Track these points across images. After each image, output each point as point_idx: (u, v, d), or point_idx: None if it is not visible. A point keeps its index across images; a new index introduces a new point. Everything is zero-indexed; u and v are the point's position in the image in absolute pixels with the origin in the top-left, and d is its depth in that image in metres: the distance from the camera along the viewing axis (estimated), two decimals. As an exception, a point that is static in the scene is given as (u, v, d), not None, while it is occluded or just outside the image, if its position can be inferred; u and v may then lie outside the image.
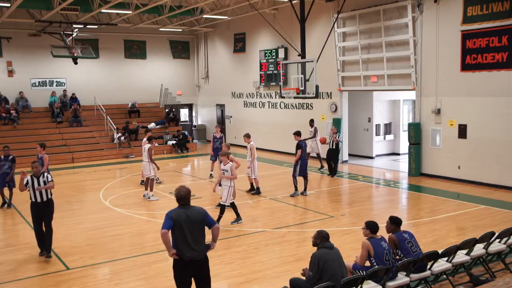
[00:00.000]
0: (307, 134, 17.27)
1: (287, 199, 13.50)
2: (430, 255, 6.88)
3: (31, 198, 8.91)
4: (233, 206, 11.08)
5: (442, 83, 15.54)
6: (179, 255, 5.92)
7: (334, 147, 16.59)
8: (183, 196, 6.10)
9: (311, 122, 18.22)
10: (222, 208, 10.90)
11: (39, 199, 8.87)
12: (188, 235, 5.92)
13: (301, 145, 13.75)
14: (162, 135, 24.53)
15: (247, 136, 14.19)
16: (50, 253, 9.04)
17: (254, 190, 14.17)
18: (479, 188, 14.31)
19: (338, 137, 16.72)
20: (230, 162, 11.01)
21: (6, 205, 13.11)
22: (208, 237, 6.13)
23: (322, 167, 18.01)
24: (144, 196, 13.88)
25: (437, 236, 9.91)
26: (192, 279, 6.15)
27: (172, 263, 6.10)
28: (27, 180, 8.82)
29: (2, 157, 13.01)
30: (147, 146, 13.91)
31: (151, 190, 13.77)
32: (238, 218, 11.13)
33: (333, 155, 16.74)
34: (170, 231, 5.92)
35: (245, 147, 14.47)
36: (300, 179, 13.93)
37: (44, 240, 9.04)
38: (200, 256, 6.01)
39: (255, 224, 11.18)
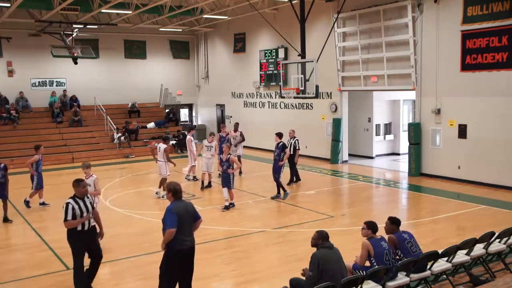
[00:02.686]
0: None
1: (287, 199, 13.49)
2: (430, 255, 6.88)
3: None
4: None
5: (442, 83, 15.54)
6: (178, 246, 6.26)
7: (293, 153, 15.05)
8: (179, 189, 6.50)
9: (236, 125, 17.51)
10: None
11: (86, 227, 7.11)
12: (185, 226, 6.35)
13: (286, 146, 13.91)
14: (169, 136, 24.51)
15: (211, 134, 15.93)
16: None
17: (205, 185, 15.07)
18: (479, 188, 14.30)
19: (297, 144, 15.10)
20: (93, 176, 9.62)
21: (8, 221, 11.67)
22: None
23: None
24: (156, 193, 13.84)
25: (437, 236, 9.91)
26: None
27: (168, 254, 6.35)
28: (72, 206, 6.97)
29: None
30: (162, 146, 13.86)
31: (164, 189, 13.76)
32: None
33: (292, 162, 15.32)
34: None
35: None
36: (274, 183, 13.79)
37: (91, 270, 7.37)
38: (191, 244, 6.47)
39: (255, 224, 11.17)
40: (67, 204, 6.95)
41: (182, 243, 6.30)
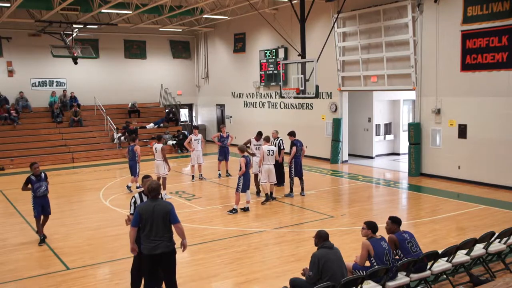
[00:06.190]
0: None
1: (287, 199, 13.50)
2: (430, 255, 6.88)
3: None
4: None
5: (442, 83, 15.54)
6: (146, 251, 6.26)
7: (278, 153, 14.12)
8: (153, 188, 6.37)
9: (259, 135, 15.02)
10: None
11: None
12: (153, 227, 6.23)
13: (295, 144, 13.69)
14: (162, 135, 24.51)
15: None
16: None
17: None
18: (479, 188, 14.30)
19: (282, 144, 14.43)
20: None
21: (43, 241, 9.96)
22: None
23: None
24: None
25: (437, 236, 9.91)
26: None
27: (140, 258, 6.45)
28: (134, 200, 6.92)
29: (33, 177, 9.79)
30: (159, 145, 13.83)
31: (164, 189, 13.75)
32: None
33: (278, 163, 14.22)
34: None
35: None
36: (294, 180, 13.85)
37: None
38: (161, 250, 6.26)
39: (255, 224, 11.17)
40: (132, 197, 7.01)
41: (149, 244, 6.21)
